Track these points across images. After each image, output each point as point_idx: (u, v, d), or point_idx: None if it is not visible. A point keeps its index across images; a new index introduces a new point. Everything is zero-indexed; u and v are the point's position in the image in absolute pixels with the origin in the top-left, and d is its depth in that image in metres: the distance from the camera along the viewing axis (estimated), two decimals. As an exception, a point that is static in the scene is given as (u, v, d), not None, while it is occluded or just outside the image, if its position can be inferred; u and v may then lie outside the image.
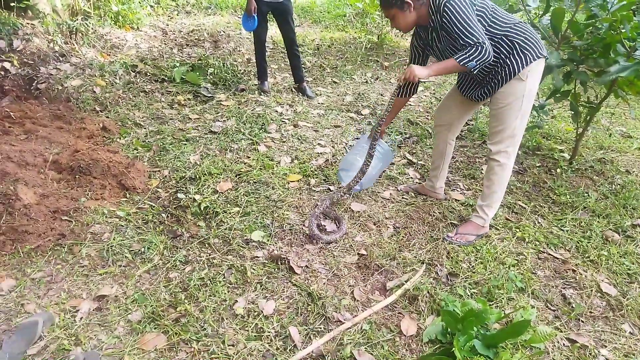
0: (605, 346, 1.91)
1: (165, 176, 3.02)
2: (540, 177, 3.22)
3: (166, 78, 4.61)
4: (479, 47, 2.08)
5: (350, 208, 2.78)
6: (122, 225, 2.53)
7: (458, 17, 2.07)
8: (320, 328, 1.95)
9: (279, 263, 2.29)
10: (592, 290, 2.21)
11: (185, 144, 3.44)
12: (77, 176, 2.77)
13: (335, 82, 5.23)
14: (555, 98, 3.27)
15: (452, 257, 2.39)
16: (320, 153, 3.45)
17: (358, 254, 2.39)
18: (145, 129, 3.64)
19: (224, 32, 6.59)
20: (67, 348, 1.79)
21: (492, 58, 2.13)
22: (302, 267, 2.29)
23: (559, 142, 3.81)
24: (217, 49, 5.89)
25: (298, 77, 4.69)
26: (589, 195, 2.99)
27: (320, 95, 4.74)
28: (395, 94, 2.43)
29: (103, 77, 4.26)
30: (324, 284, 2.20)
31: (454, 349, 1.71)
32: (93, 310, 1.98)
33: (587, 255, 2.45)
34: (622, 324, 2.02)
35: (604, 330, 1.99)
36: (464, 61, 2.10)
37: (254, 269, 2.25)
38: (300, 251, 2.42)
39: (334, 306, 2.06)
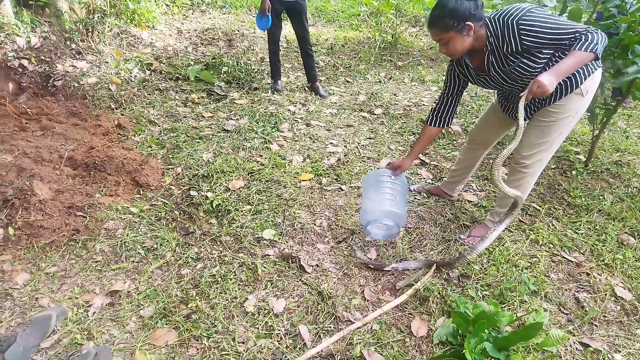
0: (619, 351, 1.88)
1: (179, 174, 3.05)
2: (555, 179, 3.17)
3: (180, 76, 4.64)
4: (589, 31, 1.74)
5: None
6: (136, 222, 2.56)
7: (543, 24, 1.78)
8: (330, 327, 1.95)
9: (290, 262, 2.29)
10: (606, 294, 2.18)
11: (198, 142, 3.46)
12: (92, 172, 2.80)
13: (348, 82, 5.22)
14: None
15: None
16: (332, 152, 3.45)
17: (368, 257, 2.39)
18: (159, 126, 3.67)
19: (238, 31, 6.62)
20: (80, 342, 1.82)
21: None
22: (312, 266, 2.29)
23: (575, 144, 3.76)
24: (231, 48, 5.91)
25: (311, 76, 4.69)
26: (604, 198, 2.94)
27: (333, 94, 4.74)
28: (520, 115, 1.89)
29: (119, 75, 4.31)
30: (335, 283, 2.20)
31: (464, 351, 1.70)
32: (105, 305, 2.01)
33: (601, 258, 2.41)
34: (636, 329, 1.99)
35: (618, 335, 1.96)
36: (591, 47, 1.72)
37: (264, 267, 2.26)
38: (311, 250, 2.42)
39: (344, 305, 2.06)
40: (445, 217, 2.72)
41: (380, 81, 5.31)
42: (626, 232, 2.63)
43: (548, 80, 1.76)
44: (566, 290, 2.21)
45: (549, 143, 2.15)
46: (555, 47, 1.84)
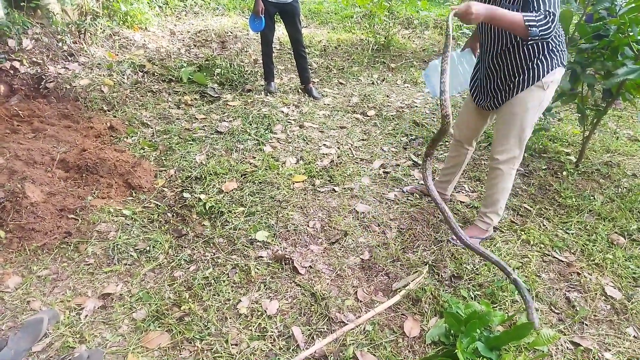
0: (609, 350, 1.90)
1: (171, 175, 3.04)
2: (546, 180, 3.20)
3: (173, 78, 4.64)
4: (549, 18, 1.84)
5: (355, 209, 2.78)
6: (128, 224, 2.55)
7: None
8: (324, 328, 1.95)
9: (283, 263, 2.29)
10: (596, 294, 2.20)
11: (191, 144, 3.45)
12: (84, 175, 2.79)
13: (341, 84, 5.24)
14: (562, 100, 3.26)
15: (456, 259, 2.39)
16: (326, 154, 3.46)
17: (360, 258, 2.40)
18: (152, 128, 3.66)
19: (231, 32, 6.62)
20: (72, 345, 1.81)
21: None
22: (305, 267, 2.29)
23: (566, 145, 3.79)
24: (224, 50, 5.91)
25: (304, 78, 4.70)
26: (594, 198, 2.97)
27: (327, 96, 4.75)
28: (447, 35, 2.02)
29: (111, 77, 4.29)
30: (328, 284, 2.21)
31: (456, 350, 1.71)
32: (98, 308, 2.00)
33: (592, 258, 2.44)
34: (626, 328, 2.01)
35: (608, 334, 1.98)
36: (530, 23, 1.83)
37: (258, 268, 2.26)
38: (305, 251, 2.42)
39: (337, 307, 2.06)
40: (438, 218, 2.74)
41: (373, 83, 5.33)
42: (616, 232, 2.65)
43: (476, 9, 1.85)
44: (557, 289, 2.23)
45: (516, 136, 2.23)
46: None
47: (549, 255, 2.47)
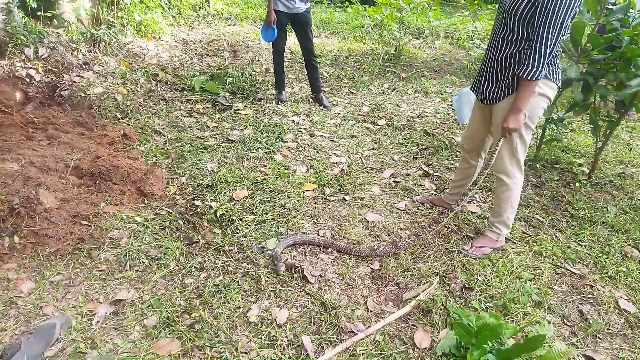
0: (624, 365, 1.87)
1: (183, 183, 3.07)
2: (559, 191, 3.18)
3: (186, 87, 4.69)
4: (543, 60, 1.96)
5: (365, 219, 2.78)
6: (140, 231, 2.57)
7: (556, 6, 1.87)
8: (333, 338, 1.94)
9: (293, 272, 2.29)
10: (610, 307, 2.17)
11: (203, 152, 3.48)
12: (97, 182, 2.83)
13: (352, 93, 5.26)
14: (575, 111, 3.24)
15: (467, 270, 2.37)
16: (336, 163, 3.46)
17: (371, 267, 2.39)
18: (164, 136, 3.70)
19: (243, 42, 6.69)
20: (83, 351, 1.83)
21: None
22: (315, 276, 2.29)
23: (578, 155, 3.76)
24: (236, 59, 5.97)
25: (315, 87, 4.72)
26: (608, 210, 2.94)
27: (337, 105, 4.77)
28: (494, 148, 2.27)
29: (125, 85, 4.36)
30: (338, 293, 2.20)
31: (467, 362, 1.70)
32: (109, 314, 2.01)
33: (605, 271, 2.41)
34: (641, 342, 1.98)
35: (622, 348, 1.95)
36: (537, 76, 1.99)
37: (268, 277, 2.27)
38: (314, 260, 2.42)
39: (347, 316, 2.06)
40: (449, 228, 2.73)
41: (383, 92, 5.34)
42: (630, 245, 2.62)
43: (511, 124, 2.12)
44: (570, 302, 2.21)
45: (508, 149, 2.28)
46: (528, 26, 2.00)
47: (561, 267, 2.44)
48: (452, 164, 3.56)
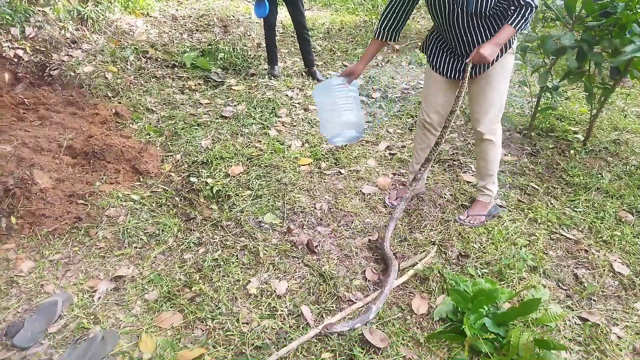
0: (617, 324, 1.91)
1: (178, 160, 3.06)
2: (554, 159, 3.19)
3: (177, 63, 4.62)
4: (528, 7, 1.93)
5: (361, 191, 2.79)
6: (137, 209, 2.57)
7: None
8: (332, 307, 1.98)
9: (293, 245, 2.32)
10: (604, 270, 2.20)
11: (196, 129, 3.46)
12: (91, 161, 2.81)
13: (345, 66, 5.19)
14: (570, 79, 3.22)
15: (463, 238, 2.40)
16: (331, 136, 3.45)
17: (368, 238, 2.41)
18: (157, 114, 3.67)
19: (233, 16, 6.56)
20: (86, 326, 1.85)
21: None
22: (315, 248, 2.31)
23: (573, 123, 3.76)
24: (226, 34, 5.87)
25: (308, 61, 4.67)
26: (602, 176, 2.96)
27: (331, 79, 4.72)
28: (464, 79, 2.16)
29: (115, 63, 4.29)
30: (336, 264, 2.23)
31: (464, 326, 1.73)
32: (110, 290, 2.03)
33: (600, 235, 2.44)
34: (634, 303, 2.01)
35: (616, 309, 1.99)
36: (520, 26, 1.97)
37: (266, 250, 2.28)
38: (312, 233, 2.44)
39: (346, 286, 2.09)
40: (444, 198, 2.74)
41: (377, 65, 5.28)
42: (624, 210, 2.65)
43: (488, 52, 2.01)
44: (565, 266, 2.24)
45: (498, 104, 2.28)
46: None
47: (556, 233, 2.47)
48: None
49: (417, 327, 1.89)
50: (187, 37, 5.58)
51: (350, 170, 3.00)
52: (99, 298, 1.98)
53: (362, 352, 1.75)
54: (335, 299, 2.01)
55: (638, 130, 3.64)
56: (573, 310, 1.98)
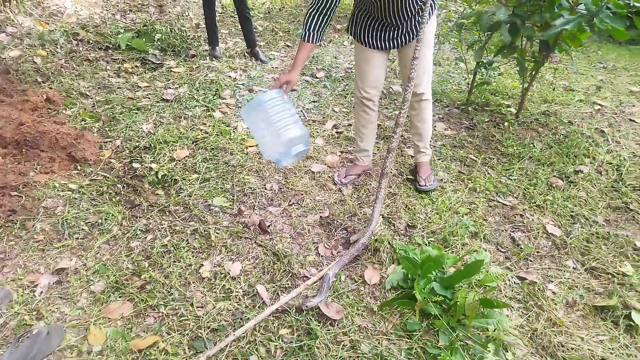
0: (552, 281, 2.06)
1: (118, 146, 2.94)
2: (490, 132, 3.34)
3: (111, 45, 4.39)
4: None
5: (310, 170, 2.81)
6: (76, 198, 2.46)
7: None
8: (288, 284, 2.00)
9: (247, 226, 2.30)
10: (538, 232, 2.36)
11: (136, 113, 3.33)
12: (23, 150, 2.64)
13: (288, 46, 5.16)
14: (503, 54, 3.37)
15: (409, 210, 2.48)
16: (277, 117, 3.43)
17: (320, 215, 2.44)
18: (92, 99, 3.48)
19: (168, -4, 6.30)
20: (29, 323, 1.76)
21: None
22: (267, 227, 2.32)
23: (506, 97, 3.95)
24: (162, 14, 5.64)
25: (250, 41, 4.59)
26: (534, 145, 3.14)
27: (274, 59, 4.67)
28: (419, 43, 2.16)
29: (43, 47, 4.02)
30: (289, 242, 2.24)
31: (414, 292, 1.81)
32: (53, 284, 1.94)
33: (533, 200, 2.60)
34: (566, 261, 2.18)
35: (550, 268, 2.15)
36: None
37: (217, 233, 2.26)
38: (264, 213, 2.44)
39: (300, 263, 2.11)
40: (390, 173, 2.81)
41: (320, 45, 5.27)
42: (555, 176, 2.83)
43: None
44: (503, 231, 2.38)
45: (430, 65, 2.44)
46: None
47: (494, 201, 2.61)
48: (391, 112, 3.63)
49: (371, 297, 1.95)
50: (120, 17, 5.31)
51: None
52: (41, 293, 1.89)
53: (318, 325, 1.78)
54: (290, 276, 2.03)
55: (565, 102, 3.88)
56: (512, 270, 2.12)
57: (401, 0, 2.16)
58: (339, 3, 2.14)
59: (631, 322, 1.84)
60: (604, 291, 2.01)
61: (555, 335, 1.79)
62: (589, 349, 1.73)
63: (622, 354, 1.72)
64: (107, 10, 5.45)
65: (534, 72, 3.40)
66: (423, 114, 2.53)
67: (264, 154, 2.27)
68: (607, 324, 1.86)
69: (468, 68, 3.91)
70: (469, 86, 3.72)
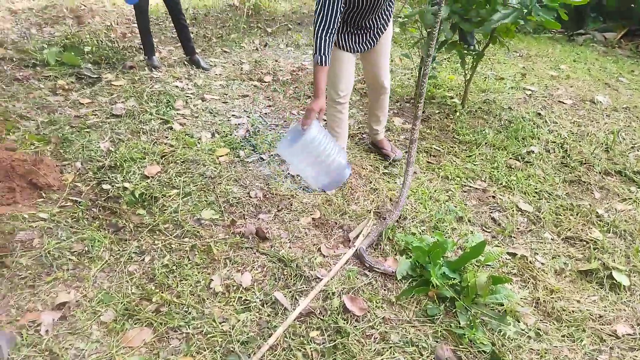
0: (537, 253, 2.28)
1: (79, 168, 2.74)
2: (443, 122, 3.57)
3: (38, 62, 4.05)
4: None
5: (289, 174, 2.83)
6: (51, 228, 2.27)
7: None
8: (303, 287, 2.01)
9: (245, 236, 2.28)
10: (513, 211, 2.59)
11: (88, 132, 3.11)
12: (-24, 182, 2.38)
13: (226, 52, 5.08)
14: (446, 48, 3.62)
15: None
16: (238, 124, 3.40)
17: (312, 217, 2.48)
18: (33, 120, 3.20)
19: (84, 6, 5.93)
20: (42, 365, 1.62)
21: None
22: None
23: (448, 89, 4.23)
24: (82, 25, 5.30)
25: (189, 48, 4.46)
26: (486, 132, 3.41)
27: (215, 66, 4.58)
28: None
29: (-41, 67, 3.61)
30: (290, 247, 2.26)
31: (431, 277, 1.92)
32: (57, 320, 1.80)
33: (500, 182, 2.84)
34: (544, 234, 2.42)
35: (532, 241, 2.37)
36: None
37: (217, 246, 2.21)
38: (255, 221, 2.42)
39: (308, 266, 2.13)
40: (367, 169, 2.92)
41: (257, 49, 5.26)
42: (511, 158, 3.11)
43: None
44: (482, 212, 2.58)
45: (389, 60, 2.73)
46: None
47: (466, 186, 2.81)
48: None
49: (384, 289, 2.03)
50: (36, 32, 4.93)
51: (271, 155, 3.01)
52: (47, 331, 1.74)
53: (345, 322, 1.83)
54: (303, 280, 2.05)
55: (499, 90, 4.25)
56: (501, 247, 2.31)
57: (377, 7, 2.35)
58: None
59: (614, 281, 2.10)
60: (583, 257, 2.27)
61: (556, 301, 1.99)
62: (587, 309, 1.95)
63: (614, 309, 1.97)
64: (19, 24, 5.01)
65: (475, 64, 3.69)
66: (383, 104, 2.87)
67: (310, 184, 2.48)
68: (594, 286, 2.10)
69: (415, 62, 4.13)
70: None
